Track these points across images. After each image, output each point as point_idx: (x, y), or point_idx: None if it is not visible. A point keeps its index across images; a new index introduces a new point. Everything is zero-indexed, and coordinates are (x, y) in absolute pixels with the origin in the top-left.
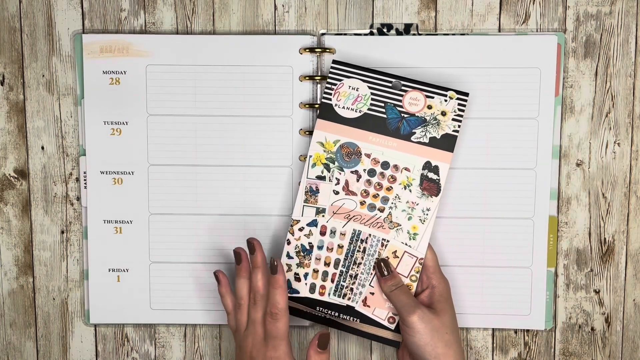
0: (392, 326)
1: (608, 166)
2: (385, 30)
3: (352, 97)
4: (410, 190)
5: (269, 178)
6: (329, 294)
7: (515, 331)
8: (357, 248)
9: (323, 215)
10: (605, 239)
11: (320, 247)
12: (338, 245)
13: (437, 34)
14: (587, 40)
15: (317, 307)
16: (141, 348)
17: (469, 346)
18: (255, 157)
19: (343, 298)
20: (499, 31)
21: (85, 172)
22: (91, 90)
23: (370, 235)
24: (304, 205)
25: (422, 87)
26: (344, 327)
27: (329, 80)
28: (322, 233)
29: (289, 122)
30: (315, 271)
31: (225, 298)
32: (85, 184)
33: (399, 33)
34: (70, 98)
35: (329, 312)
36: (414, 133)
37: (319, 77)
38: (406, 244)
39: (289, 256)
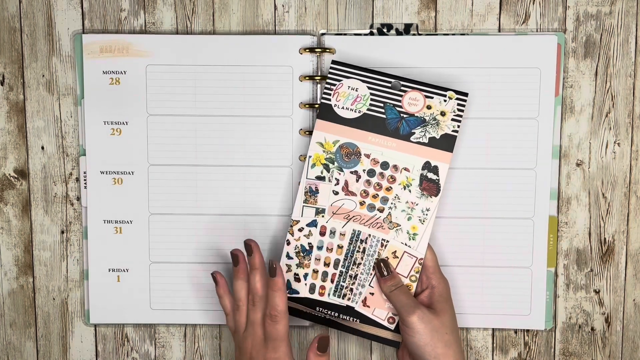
0: (392, 326)
1: (608, 166)
2: (385, 30)
3: (352, 97)
4: (410, 191)
5: (269, 178)
6: (329, 295)
7: (515, 331)
8: (357, 248)
9: (323, 216)
10: (605, 239)
11: (319, 248)
12: (338, 245)
13: (437, 34)
14: (587, 40)
15: (317, 308)
16: (141, 348)
17: (469, 346)
18: (255, 157)
19: (343, 298)
20: (499, 31)
21: (85, 172)
22: (91, 90)
23: (369, 235)
24: (303, 206)
25: (422, 87)
26: (344, 327)
27: (328, 80)
28: (322, 233)
29: (289, 122)
30: (315, 271)
31: (223, 299)
32: (85, 184)
33: (399, 33)
34: (70, 98)
35: (329, 312)
36: (414, 133)
37: (319, 77)
38: (406, 244)
39: (288, 256)
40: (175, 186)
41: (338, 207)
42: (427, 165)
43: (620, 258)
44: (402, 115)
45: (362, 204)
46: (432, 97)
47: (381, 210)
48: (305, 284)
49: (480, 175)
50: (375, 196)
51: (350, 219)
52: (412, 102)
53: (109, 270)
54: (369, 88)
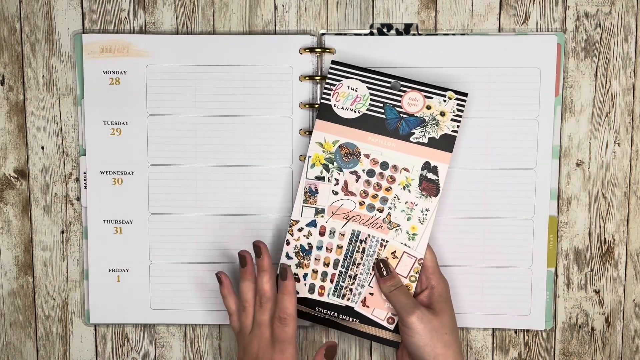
0: (391, 326)
1: (608, 166)
2: (385, 30)
3: (351, 97)
4: (410, 191)
5: (269, 178)
6: (328, 295)
7: (515, 331)
8: (356, 248)
9: (322, 216)
10: (605, 239)
11: (319, 248)
12: (337, 245)
13: (437, 34)
14: (587, 40)
15: (317, 308)
16: (141, 348)
17: (469, 346)
18: (255, 157)
19: (342, 298)
20: (499, 31)
21: (85, 172)
22: (91, 90)
23: (369, 235)
24: (303, 206)
25: (421, 87)
26: (343, 327)
27: (327, 80)
28: (322, 233)
29: (289, 122)
30: (315, 272)
31: (227, 299)
32: (85, 184)
33: (399, 33)
34: (70, 98)
35: (328, 312)
36: (413, 133)
37: (318, 77)
38: (405, 245)
39: (288, 257)
40: (175, 186)
41: (337, 207)
42: (426, 166)
43: (620, 258)
44: (401, 115)
45: (361, 204)
46: (431, 97)
47: (381, 211)
48: (305, 284)
49: (480, 175)
50: (374, 196)
51: (350, 219)
52: (412, 102)
53: (109, 270)
54: (369, 88)
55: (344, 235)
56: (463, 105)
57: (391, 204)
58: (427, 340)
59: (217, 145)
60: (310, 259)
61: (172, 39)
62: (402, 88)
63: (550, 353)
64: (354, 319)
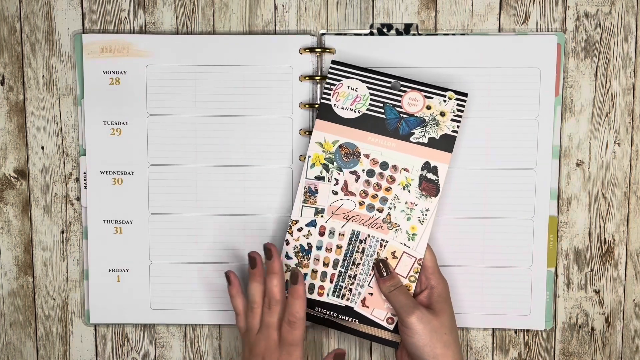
0: (391, 327)
1: (608, 166)
2: (385, 30)
3: (351, 97)
4: (409, 191)
5: (269, 178)
6: (328, 295)
7: (515, 331)
8: (356, 248)
9: (322, 216)
10: (605, 239)
11: (319, 248)
12: (337, 245)
13: (437, 34)
14: (587, 40)
15: (316, 308)
16: (141, 348)
17: (469, 346)
18: (255, 157)
19: (342, 298)
20: (499, 31)
21: (85, 172)
22: (91, 90)
23: (369, 235)
24: (302, 206)
25: (421, 87)
26: (343, 327)
27: (327, 80)
28: (321, 233)
29: (289, 122)
30: (314, 272)
31: (235, 299)
32: (85, 184)
33: (399, 33)
34: (70, 98)
35: (328, 312)
36: (413, 133)
37: (318, 77)
38: (405, 245)
39: (287, 257)
40: (175, 186)
41: (337, 207)
42: (426, 166)
43: (620, 258)
44: (401, 115)
45: (361, 204)
46: (431, 98)
47: (380, 211)
48: (305, 284)
49: (480, 175)
50: (374, 196)
51: (350, 219)
52: (412, 103)
53: (109, 270)
54: (369, 88)
55: (343, 235)
56: (463, 106)
57: (391, 204)
58: (427, 341)
59: (217, 145)
60: (309, 259)
61: (172, 39)
62: (402, 88)
63: (550, 353)
64: (354, 319)
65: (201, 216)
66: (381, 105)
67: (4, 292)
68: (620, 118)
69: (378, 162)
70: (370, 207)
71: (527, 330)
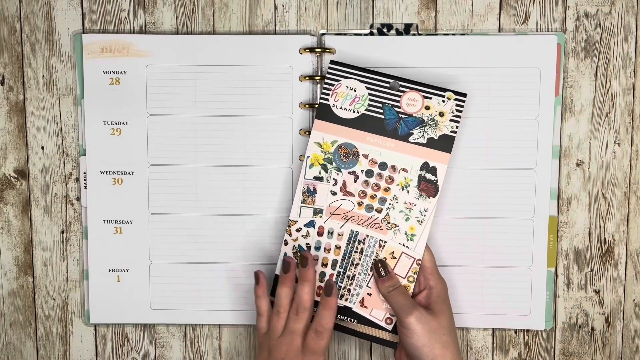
0: (390, 327)
1: (608, 166)
2: (385, 30)
3: (350, 97)
4: (408, 191)
5: (268, 178)
6: None
7: (515, 331)
8: (355, 249)
9: (320, 216)
10: (605, 239)
11: (317, 248)
12: (335, 246)
13: (437, 34)
14: (587, 40)
15: (315, 308)
16: (141, 348)
17: (469, 346)
18: (255, 157)
19: (340, 299)
20: (499, 31)
21: (85, 172)
22: (91, 90)
23: (367, 236)
24: (301, 206)
25: (420, 87)
26: (341, 328)
27: (326, 80)
28: (320, 234)
29: (288, 122)
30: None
31: (260, 300)
32: (85, 184)
33: (399, 33)
34: (70, 98)
35: None
36: (412, 134)
37: (318, 77)
38: (404, 245)
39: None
40: (175, 186)
41: (336, 208)
42: (425, 166)
43: (620, 258)
44: (400, 115)
45: (360, 204)
46: (430, 98)
47: (379, 211)
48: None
49: (480, 175)
50: (373, 197)
51: (348, 219)
52: (411, 103)
53: (109, 270)
54: (368, 88)
55: (342, 235)
56: (462, 106)
57: (390, 204)
58: (425, 341)
59: (217, 145)
60: None
61: (172, 39)
62: (401, 88)
63: (550, 353)
64: (352, 320)
65: (201, 216)
66: (380, 105)
67: (4, 292)
68: (620, 118)
69: (377, 163)
70: (369, 208)
71: (527, 330)
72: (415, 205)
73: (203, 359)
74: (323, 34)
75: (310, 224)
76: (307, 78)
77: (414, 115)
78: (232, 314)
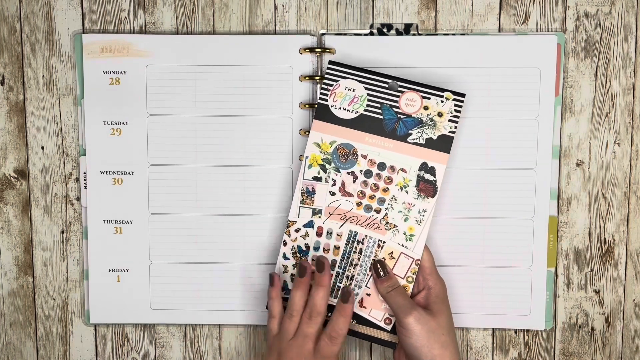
0: (389, 327)
1: (608, 166)
2: (385, 30)
3: (349, 98)
4: (407, 192)
5: (268, 178)
6: None
7: (515, 331)
8: (354, 249)
9: (319, 216)
10: (605, 239)
11: (316, 248)
12: (334, 246)
13: (437, 34)
14: (587, 40)
15: None
16: (141, 348)
17: (469, 346)
18: (255, 157)
19: None
20: (499, 31)
21: (85, 172)
22: (91, 90)
23: (366, 236)
24: (300, 206)
25: (419, 87)
26: None
27: (325, 81)
28: (319, 234)
29: (288, 122)
30: (312, 272)
31: (274, 302)
32: (85, 184)
33: (399, 33)
34: (70, 98)
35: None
36: (411, 134)
37: (318, 77)
38: (402, 245)
39: (285, 257)
40: (175, 186)
41: (335, 208)
42: (424, 166)
43: (620, 258)
44: (399, 116)
45: (358, 204)
46: (429, 98)
47: (378, 211)
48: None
49: (480, 175)
50: (372, 197)
51: (347, 219)
52: (409, 103)
53: (109, 270)
54: (366, 89)
55: (341, 236)
56: (461, 106)
57: (388, 204)
58: (424, 341)
59: (217, 145)
60: (307, 260)
61: (172, 39)
62: (399, 88)
63: (550, 353)
64: (352, 320)
65: (201, 216)
66: (379, 105)
67: (4, 292)
68: (620, 118)
69: (375, 163)
70: (368, 208)
71: (527, 330)
72: (414, 206)
73: (203, 359)
74: (323, 34)
75: (309, 224)
76: (307, 78)
77: (412, 115)
78: (232, 314)
